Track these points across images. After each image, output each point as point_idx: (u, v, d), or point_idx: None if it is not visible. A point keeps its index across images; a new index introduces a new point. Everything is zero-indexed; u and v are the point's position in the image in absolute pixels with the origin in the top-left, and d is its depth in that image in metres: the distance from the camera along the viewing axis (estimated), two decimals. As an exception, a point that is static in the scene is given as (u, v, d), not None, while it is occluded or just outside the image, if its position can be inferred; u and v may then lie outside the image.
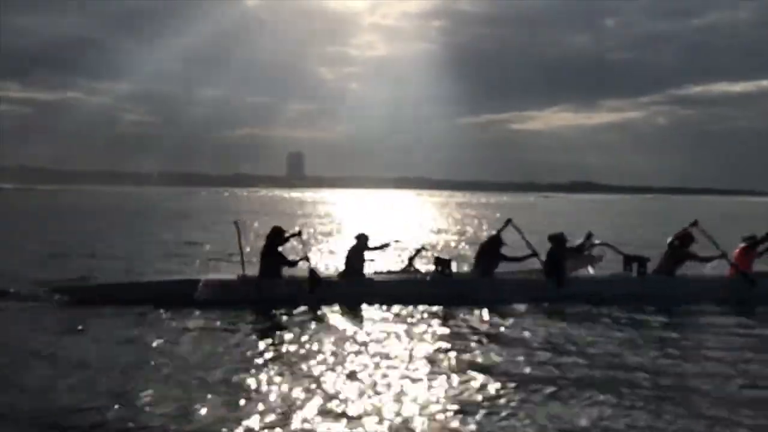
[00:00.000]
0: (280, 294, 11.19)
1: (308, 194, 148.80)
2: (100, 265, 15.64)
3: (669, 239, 12.90)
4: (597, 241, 13.42)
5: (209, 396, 6.43)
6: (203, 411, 6.07)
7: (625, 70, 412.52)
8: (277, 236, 11.59)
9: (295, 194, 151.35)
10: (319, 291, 11.19)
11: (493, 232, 12.55)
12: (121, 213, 45.72)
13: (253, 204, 72.92)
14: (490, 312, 10.76)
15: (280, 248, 11.62)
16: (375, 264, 13.12)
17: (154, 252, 19.00)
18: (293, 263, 11.59)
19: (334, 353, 8.11)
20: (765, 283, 12.58)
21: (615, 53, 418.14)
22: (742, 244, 13.05)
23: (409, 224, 37.04)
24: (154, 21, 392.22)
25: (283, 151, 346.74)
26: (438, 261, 11.94)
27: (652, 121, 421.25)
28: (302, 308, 10.61)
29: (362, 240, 11.94)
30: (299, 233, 12.11)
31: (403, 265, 12.61)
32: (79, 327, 9.21)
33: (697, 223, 12.71)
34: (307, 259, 11.56)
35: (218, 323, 9.64)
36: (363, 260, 11.84)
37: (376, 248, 12.19)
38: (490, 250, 12.26)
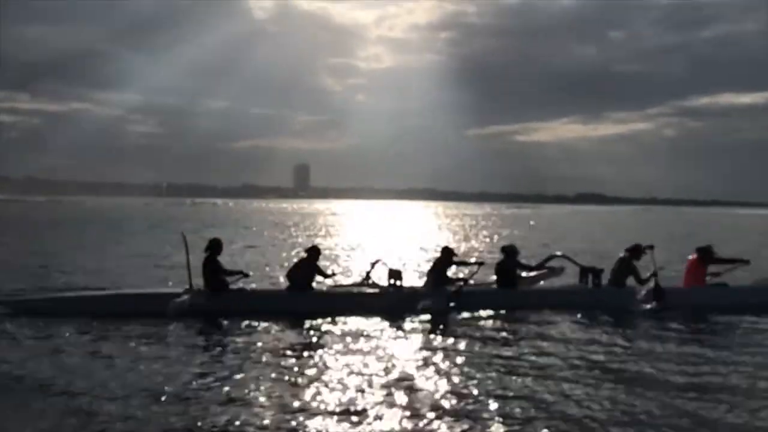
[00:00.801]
0: (225, 307, 11.19)
1: (314, 205, 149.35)
2: (64, 277, 15.63)
3: (621, 254, 12.99)
4: (558, 253, 13.58)
5: (160, 411, 6.38)
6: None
7: (631, 82, 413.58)
8: (216, 247, 11.62)
9: (302, 205, 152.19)
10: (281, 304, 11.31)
11: (445, 245, 12.64)
12: (113, 223, 45.86)
13: (255, 214, 73.19)
14: (439, 322, 10.87)
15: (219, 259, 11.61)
16: (336, 277, 13.21)
17: (121, 265, 18.89)
18: (233, 273, 11.65)
19: (281, 365, 8.08)
20: (725, 292, 12.75)
21: (622, 65, 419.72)
22: (694, 255, 13.07)
23: (407, 235, 37.08)
24: (162, 33, 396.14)
25: (289, 163, 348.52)
26: (391, 273, 12.01)
27: (659, 132, 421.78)
28: (248, 321, 10.55)
29: (313, 253, 12.05)
30: (246, 276, 12.00)
31: (360, 278, 12.61)
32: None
33: (652, 247, 12.78)
34: (246, 275, 11.68)
35: (152, 337, 9.53)
36: (313, 274, 11.92)
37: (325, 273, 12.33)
38: (442, 262, 12.33)
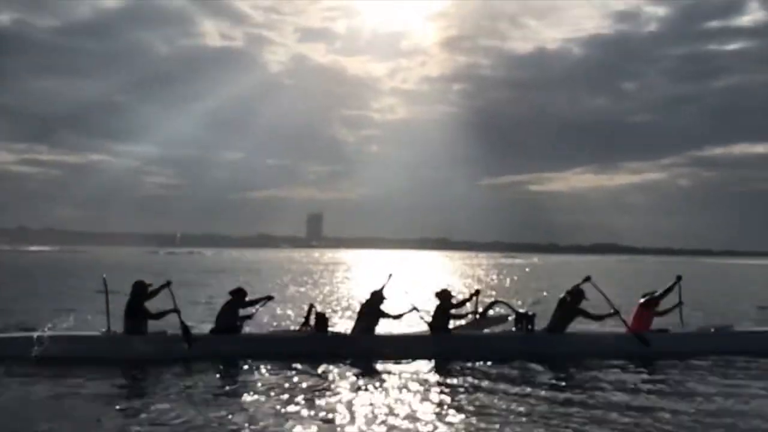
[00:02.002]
0: (145, 351, 11.54)
1: (326, 254, 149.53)
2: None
3: (561, 295, 13.41)
4: (500, 299, 14.27)
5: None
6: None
7: (645, 132, 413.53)
8: (141, 290, 12.03)
9: (313, 254, 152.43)
10: (195, 347, 11.65)
11: (376, 289, 13.01)
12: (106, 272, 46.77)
13: (254, 263, 73.94)
14: (366, 367, 11.38)
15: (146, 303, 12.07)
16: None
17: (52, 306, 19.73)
18: (159, 316, 11.96)
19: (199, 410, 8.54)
20: (660, 341, 12.97)
21: (635, 115, 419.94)
22: (641, 300, 13.62)
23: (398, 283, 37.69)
24: (179, 85, 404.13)
25: (303, 212, 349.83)
26: (318, 318, 12.68)
27: (673, 182, 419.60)
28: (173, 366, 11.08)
29: (238, 295, 12.66)
30: (168, 284, 12.26)
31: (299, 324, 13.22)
32: None
33: (589, 278, 13.15)
34: (177, 312, 11.90)
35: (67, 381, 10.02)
36: (237, 317, 12.52)
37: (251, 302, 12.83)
38: (370, 307, 12.84)
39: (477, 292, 13.78)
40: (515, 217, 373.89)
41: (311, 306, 13.18)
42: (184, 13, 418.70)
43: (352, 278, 46.64)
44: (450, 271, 63.13)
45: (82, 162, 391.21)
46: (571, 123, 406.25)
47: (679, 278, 13.48)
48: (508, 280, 46.88)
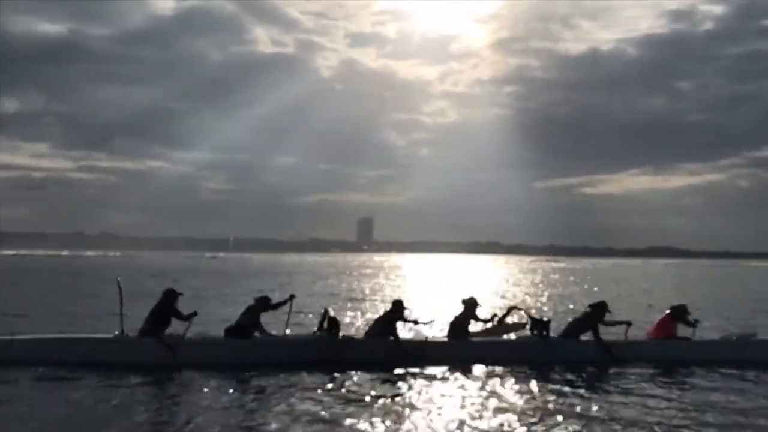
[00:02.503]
0: (155, 356, 11.40)
1: (375, 258, 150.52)
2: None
3: (586, 309, 13.33)
4: (516, 305, 13.74)
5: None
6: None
7: (702, 133, 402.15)
8: (171, 298, 11.97)
9: (362, 258, 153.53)
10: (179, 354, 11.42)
11: (398, 299, 13.06)
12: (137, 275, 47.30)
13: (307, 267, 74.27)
14: (381, 373, 11.12)
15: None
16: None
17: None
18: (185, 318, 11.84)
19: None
20: (681, 348, 12.84)
21: (691, 115, 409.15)
22: (668, 311, 13.47)
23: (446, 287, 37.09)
24: (233, 92, 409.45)
25: (354, 217, 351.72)
26: (330, 322, 12.24)
27: (732, 184, 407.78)
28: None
29: (261, 302, 12.33)
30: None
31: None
32: None
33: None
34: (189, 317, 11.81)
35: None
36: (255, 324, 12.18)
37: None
38: (390, 314, 12.66)
39: (511, 309, 13.66)
40: (569, 221, 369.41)
41: (325, 310, 13.03)
42: (235, 20, 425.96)
43: (388, 282, 46.15)
44: (492, 275, 62.12)
45: (138, 168, 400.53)
46: (625, 124, 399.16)
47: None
48: (541, 285, 45.87)
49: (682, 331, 13.28)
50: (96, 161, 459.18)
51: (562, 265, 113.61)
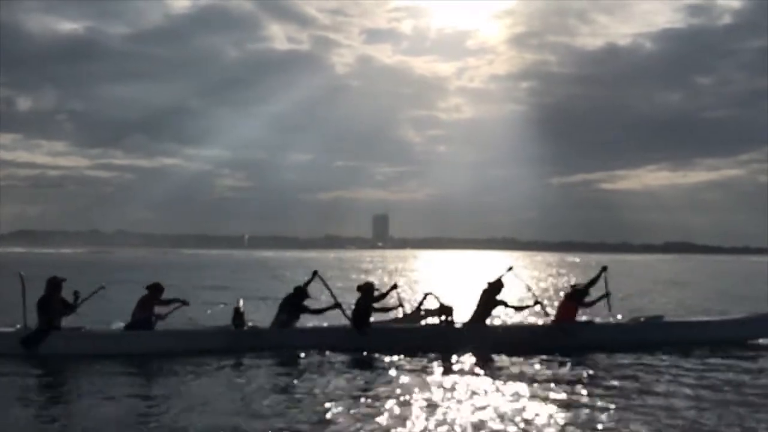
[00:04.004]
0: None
1: (387, 254, 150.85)
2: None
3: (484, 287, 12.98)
4: (430, 292, 13.53)
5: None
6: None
7: (722, 128, 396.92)
8: (56, 288, 11.72)
9: (375, 254, 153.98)
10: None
11: (299, 285, 12.81)
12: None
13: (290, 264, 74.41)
14: (285, 359, 11.17)
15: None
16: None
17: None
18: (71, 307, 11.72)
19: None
20: (585, 332, 12.69)
21: (711, 111, 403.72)
22: (566, 292, 13.47)
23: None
24: (249, 89, 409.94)
25: (370, 213, 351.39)
26: (234, 314, 12.20)
27: (752, 179, 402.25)
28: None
29: (154, 290, 12.13)
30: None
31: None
32: None
33: (511, 268, 13.02)
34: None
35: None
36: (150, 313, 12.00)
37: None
38: (292, 302, 12.46)
39: (394, 286, 13.57)
40: (586, 217, 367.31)
41: (238, 301, 13.02)
42: (251, 17, 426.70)
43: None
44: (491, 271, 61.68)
45: (154, 166, 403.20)
46: (643, 119, 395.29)
47: (604, 269, 13.22)
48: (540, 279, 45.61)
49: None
50: (112, 159, 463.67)
51: (574, 260, 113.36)
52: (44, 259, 77.09)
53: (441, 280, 41.15)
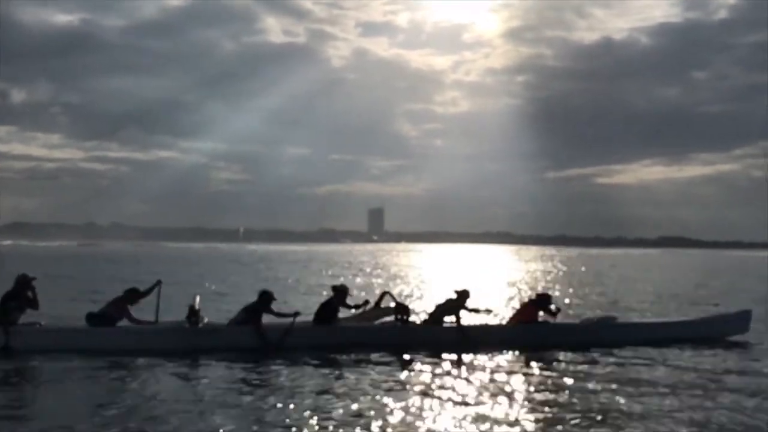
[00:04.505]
0: None
1: (380, 248, 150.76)
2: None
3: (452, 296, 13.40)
4: (387, 291, 14.04)
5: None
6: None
7: (717, 122, 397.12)
8: (24, 286, 12.17)
9: (368, 248, 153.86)
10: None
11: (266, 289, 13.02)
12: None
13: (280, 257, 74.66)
14: (243, 358, 11.35)
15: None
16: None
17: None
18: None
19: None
20: (541, 332, 13.19)
21: (706, 105, 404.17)
22: (532, 297, 14.20)
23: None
24: (244, 82, 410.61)
25: (366, 207, 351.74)
26: (189, 311, 12.38)
27: (747, 173, 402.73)
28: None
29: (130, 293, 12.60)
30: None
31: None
32: None
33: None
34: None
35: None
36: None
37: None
38: (255, 308, 12.62)
39: (384, 294, 13.88)
40: (581, 211, 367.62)
41: (194, 298, 12.99)
42: (247, 10, 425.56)
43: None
44: (475, 265, 62.25)
45: (150, 159, 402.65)
46: (639, 114, 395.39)
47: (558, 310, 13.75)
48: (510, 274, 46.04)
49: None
50: (108, 151, 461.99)
51: (563, 253, 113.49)
52: (31, 252, 77.22)
53: (439, 275, 41.66)
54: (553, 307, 13.45)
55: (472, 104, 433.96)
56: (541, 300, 13.54)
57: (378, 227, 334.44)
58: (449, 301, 13.09)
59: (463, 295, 13.07)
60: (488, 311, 13.43)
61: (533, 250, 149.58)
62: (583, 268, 55.64)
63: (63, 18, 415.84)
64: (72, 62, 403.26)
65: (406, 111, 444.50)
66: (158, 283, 12.88)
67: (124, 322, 12.46)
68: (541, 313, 13.25)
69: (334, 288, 13.27)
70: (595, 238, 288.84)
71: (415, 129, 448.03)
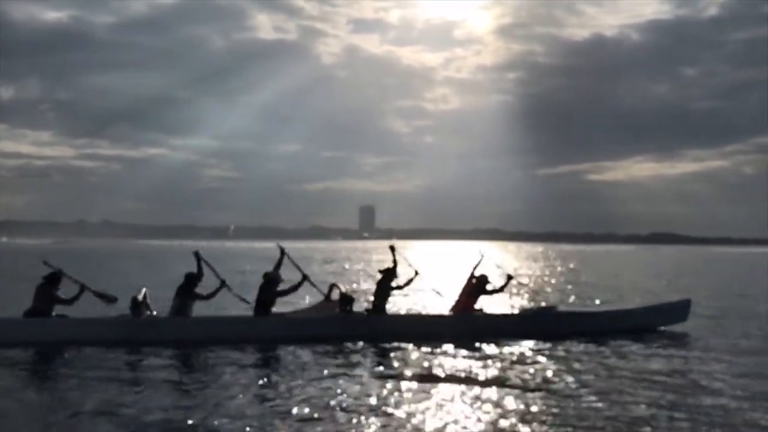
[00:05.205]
0: None
1: (367, 245, 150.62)
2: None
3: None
4: (334, 282, 14.27)
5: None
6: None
7: (707, 119, 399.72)
8: None
9: (356, 245, 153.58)
10: None
11: (191, 272, 12.89)
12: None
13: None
14: (179, 352, 11.52)
15: None
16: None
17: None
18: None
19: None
20: (474, 322, 13.37)
21: (696, 102, 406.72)
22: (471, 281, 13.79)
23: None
24: (235, 79, 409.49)
25: (357, 204, 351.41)
26: (132, 303, 12.56)
27: (737, 170, 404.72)
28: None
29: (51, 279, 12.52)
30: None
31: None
32: None
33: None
34: None
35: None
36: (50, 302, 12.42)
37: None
38: (185, 291, 12.75)
39: (332, 286, 13.84)
40: (573, 207, 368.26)
41: (142, 290, 13.11)
42: (237, 6, 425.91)
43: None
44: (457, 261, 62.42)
45: (141, 156, 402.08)
46: (630, 110, 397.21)
47: (509, 277, 14.15)
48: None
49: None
50: (98, 149, 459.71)
51: (553, 249, 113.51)
52: (11, 250, 76.87)
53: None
54: (489, 287, 13.53)
55: (463, 101, 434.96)
56: (477, 285, 13.52)
57: (369, 224, 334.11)
58: (379, 283, 13.37)
59: (389, 272, 13.29)
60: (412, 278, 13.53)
61: (521, 247, 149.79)
62: (571, 265, 55.87)
63: (52, 14, 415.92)
64: (62, 59, 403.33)
65: (398, 108, 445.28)
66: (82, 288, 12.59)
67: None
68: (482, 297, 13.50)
69: (265, 275, 13.16)
70: (586, 234, 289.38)
71: (407, 126, 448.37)
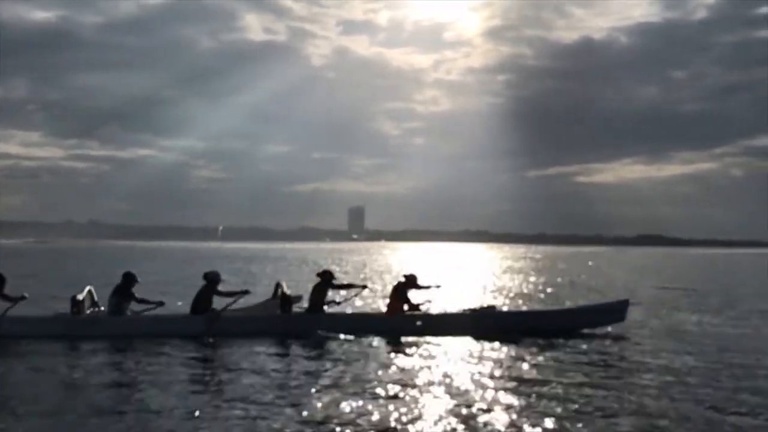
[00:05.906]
0: None
1: (351, 246, 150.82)
2: None
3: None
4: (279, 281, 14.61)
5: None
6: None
7: (696, 122, 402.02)
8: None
9: (342, 246, 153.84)
10: None
11: (129, 271, 13.46)
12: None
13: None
14: (121, 347, 11.75)
15: None
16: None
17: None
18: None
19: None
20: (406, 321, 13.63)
21: (685, 105, 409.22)
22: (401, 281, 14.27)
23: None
24: (224, 80, 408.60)
25: (347, 206, 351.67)
26: (71, 302, 12.79)
27: (726, 172, 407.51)
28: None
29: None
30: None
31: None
32: None
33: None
34: None
35: None
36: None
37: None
38: (122, 290, 13.20)
39: (278, 285, 14.21)
40: (561, 209, 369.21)
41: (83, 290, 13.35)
42: (226, 7, 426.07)
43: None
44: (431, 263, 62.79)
45: (130, 157, 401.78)
46: (619, 113, 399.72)
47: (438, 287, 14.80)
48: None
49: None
50: (88, 150, 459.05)
51: (539, 250, 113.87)
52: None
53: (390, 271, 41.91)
54: (422, 284, 14.11)
55: (452, 103, 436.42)
56: (405, 285, 13.93)
57: (358, 226, 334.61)
58: (315, 286, 13.75)
59: (326, 274, 13.80)
60: (360, 288, 14.65)
61: (506, 249, 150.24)
62: (560, 266, 56.25)
63: (40, 14, 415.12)
64: (50, 59, 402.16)
65: (387, 110, 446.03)
66: (21, 298, 12.83)
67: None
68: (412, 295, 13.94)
69: (206, 275, 13.50)
70: (574, 236, 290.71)
71: (396, 128, 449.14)
